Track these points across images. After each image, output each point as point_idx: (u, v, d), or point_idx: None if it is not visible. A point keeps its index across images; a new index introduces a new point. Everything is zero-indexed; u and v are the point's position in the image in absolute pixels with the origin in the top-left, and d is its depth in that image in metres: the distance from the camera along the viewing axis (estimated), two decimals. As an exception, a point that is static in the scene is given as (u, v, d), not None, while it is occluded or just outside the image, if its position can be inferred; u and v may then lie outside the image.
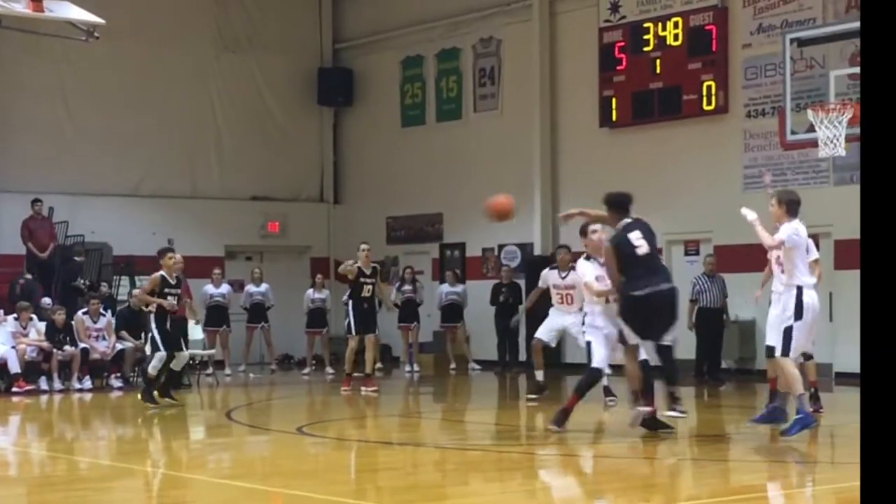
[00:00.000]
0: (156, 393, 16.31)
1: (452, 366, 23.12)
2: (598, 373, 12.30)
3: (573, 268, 14.32)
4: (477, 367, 23.14)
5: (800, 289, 11.23)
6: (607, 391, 15.16)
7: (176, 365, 16.74)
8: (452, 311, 23.48)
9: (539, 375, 16.44)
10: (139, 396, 16.41)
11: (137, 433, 14.30)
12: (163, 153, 25.82)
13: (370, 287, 18.16)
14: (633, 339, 11.59)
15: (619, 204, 11.97)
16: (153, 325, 16.27)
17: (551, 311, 16.20)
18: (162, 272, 16.43)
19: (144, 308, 16.92)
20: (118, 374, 19.76)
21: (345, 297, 18.44)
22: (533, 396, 16.25)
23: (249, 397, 19.19)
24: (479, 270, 24.89)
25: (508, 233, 24.28)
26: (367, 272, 18.18)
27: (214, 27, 26.64)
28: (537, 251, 23.65)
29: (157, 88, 25.64)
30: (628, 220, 11.84)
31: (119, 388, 19.38)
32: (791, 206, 11.52)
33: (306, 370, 22.92)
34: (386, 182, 26.94)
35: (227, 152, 26.75)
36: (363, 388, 17.72)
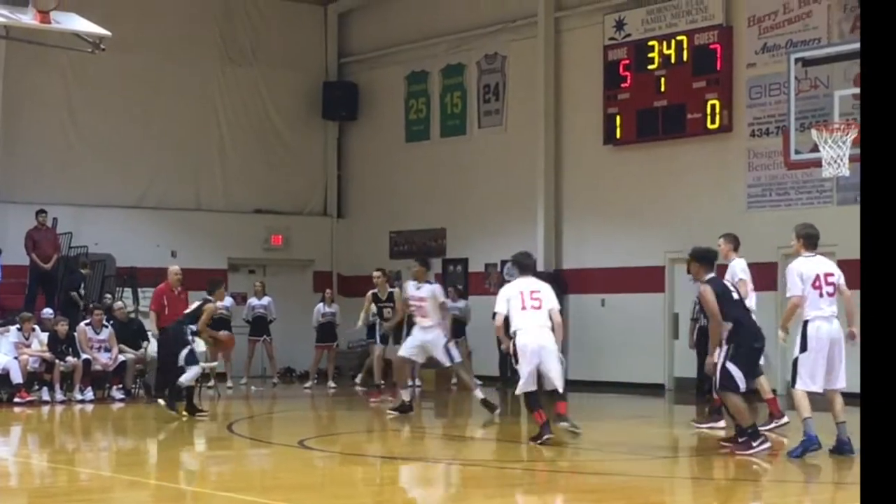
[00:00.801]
0: (160, 402, 16.38)
1: (454, 381, 23.09)
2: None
3: (429, 281, 16.74)
4: (478, 382, 23.11)
5: (805, 322, 11.49)
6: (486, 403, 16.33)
7: (187, 378, 16.58)
8: (454, 327, 23.42)
9: (405, 395, 16.74)
10: (182, 410, 16.33)
11: (138, 445, 14.31)
12: (167, 165, 25.87)
13: (389, 310, 19.05)
14: None
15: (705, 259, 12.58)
16: (189, 337, 16.52)
17: (414, 327, 16.91)
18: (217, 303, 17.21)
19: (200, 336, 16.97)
20: (120, 386, 19.77)
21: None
22: (393, 413, 16.57)
23: (251, 410, 19.20)
24: (481, 285, 24.89)
25: (511, 248, 24.26)
26: (383, 297, 19.08)
27: (220, 41, 26.71)
28: (540, 267, 23.60)
29: (162, 101, 25.71)
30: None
31: (121, 400, 19.39)
32: (808, 241, 11.91)
33: (308, 384, 22.92)
34: (389, 197, 26.97)
35: (231, 165, 26.80)
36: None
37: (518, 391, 12.85)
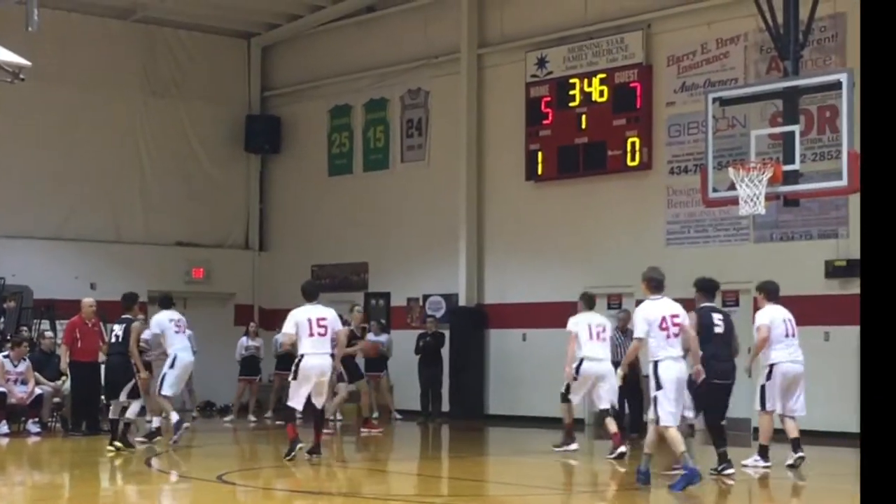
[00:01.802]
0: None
1: (375, 415, 23.05)
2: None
3: None
4: (399, 416, 23.14)
5: (656, 363, 12.04)
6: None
7: (131, 412, 16.32)
8: (376, 360, 23.44)
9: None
10: (117, 443, 15.94)
11: (54, 479, 14.13)
12: (87, 197, 25.67)
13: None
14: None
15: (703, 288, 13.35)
16: (134, 372, 16.30)
17: None
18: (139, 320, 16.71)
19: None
20: (36, 419, 19.51)
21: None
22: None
23: (170, 444, 19.01)
24: (403, 320, 24.93)
25: (433, 283, 24.41)
26: (358, 333, 19.99)
27: (142, 72, 26.60)
28: (462, 302, 23.76)
29: (83, 132, 25.53)
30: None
31: (37, 434, 19.13)
32: (652, 284, 12.45)
33: (229, 417, 22.77)
34: (312, 230, 26.96)
35: (152, 197, 26.65)
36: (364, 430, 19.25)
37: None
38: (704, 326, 12.75)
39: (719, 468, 12.91)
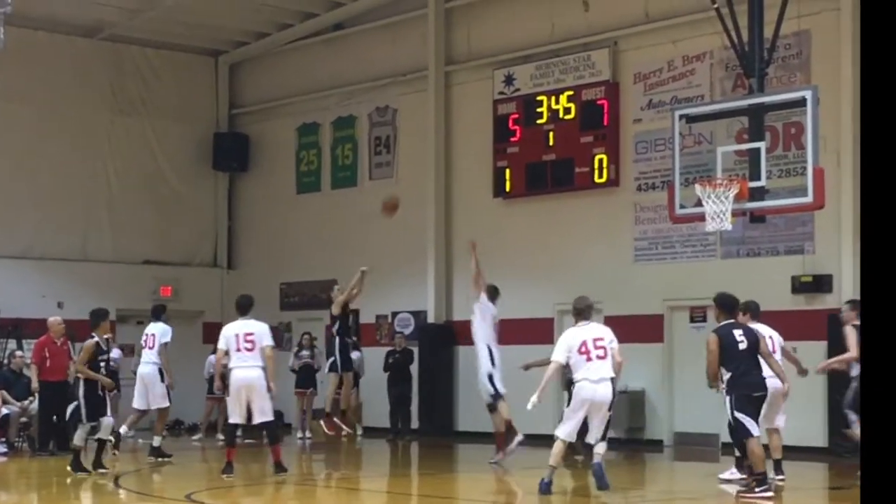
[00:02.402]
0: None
1: (344, 432, 23.01)
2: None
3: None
4: (360, 433, 23.13)
5: (574, 382, 13.05)
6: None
7: (103, 433, 15.93)
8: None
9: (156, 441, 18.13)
10: (69, 467, 15.67)
11: (21, 500, 14.05)
12: (54, 215, 25.57)
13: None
14: None
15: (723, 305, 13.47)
16: (81, 394, 15.73)
17: None
18: (97, 338, 15.97)
19: (79, 376, 16.02)
20: (2, 440, 19.40)
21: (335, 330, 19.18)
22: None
23: (138, 463, 18.93)
24: (372, 337, 24.93)
25: (402, 300, 24.41)
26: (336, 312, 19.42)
27: (110, 91, 26.53)
28: (431, 319, 23.78)
29: (49, 150, 25.44)
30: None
31: (3, 454, 19.01)
32: (578, 313, 13.43)
33: (197, 436, 22.70)
34: (280, 248, 26.93)
35: (119, 215, 26.56)
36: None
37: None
38: (726, 347, 12.82)
39: (757, 488, 12.80)
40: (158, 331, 18.51)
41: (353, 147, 25.92)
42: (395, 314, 24.71)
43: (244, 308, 15.53)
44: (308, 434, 22.88)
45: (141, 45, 26.92)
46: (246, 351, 15.00)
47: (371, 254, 25.14)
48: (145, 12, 25.27)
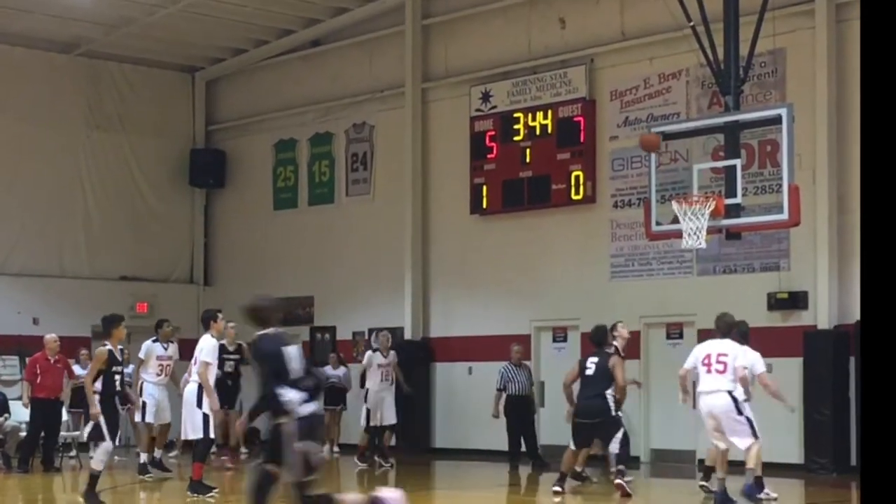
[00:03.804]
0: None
1: (244, 451, 22.60)
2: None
3: (172, 341, 18.63)
4: (336, 451, 23.05)
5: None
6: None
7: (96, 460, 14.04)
8: (334, 394, 23.27)
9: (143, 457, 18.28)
10: (81, 498, 14.04)
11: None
12: (30, 231, 25.48)
13: (232, 363, 20.01)
14: None
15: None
16: (98, 411, 13.87)
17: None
18: (109, 346, 14.17)
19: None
20: (-23, 457, 19.29)
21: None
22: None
23: (115, 481, 18.84)
24: (349, 354, 24.88)
25: (379, 317, 24.38)
26: (231, 349, 20.02)
27: (86, 106, 26.46)
28: (408, 335, 23.76)
29: (25, 166, 25.37)
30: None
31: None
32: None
33: (174, 453, 22.56)
34: (257, 264, 26.88)
35: (95, 231, 26.48)
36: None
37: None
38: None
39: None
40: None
41: (330, 164, 25.91)
42: (371, 331, 24.68)
43: (204, 323, 16.10)
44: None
45: (118, 61, 26.87)
46: (193, 365, 15.55)
47: (348, 270, 25.18)
48: (122, 28, 25.23)
